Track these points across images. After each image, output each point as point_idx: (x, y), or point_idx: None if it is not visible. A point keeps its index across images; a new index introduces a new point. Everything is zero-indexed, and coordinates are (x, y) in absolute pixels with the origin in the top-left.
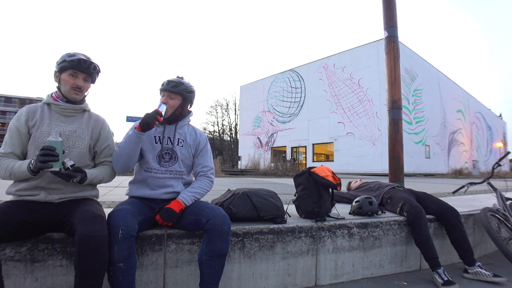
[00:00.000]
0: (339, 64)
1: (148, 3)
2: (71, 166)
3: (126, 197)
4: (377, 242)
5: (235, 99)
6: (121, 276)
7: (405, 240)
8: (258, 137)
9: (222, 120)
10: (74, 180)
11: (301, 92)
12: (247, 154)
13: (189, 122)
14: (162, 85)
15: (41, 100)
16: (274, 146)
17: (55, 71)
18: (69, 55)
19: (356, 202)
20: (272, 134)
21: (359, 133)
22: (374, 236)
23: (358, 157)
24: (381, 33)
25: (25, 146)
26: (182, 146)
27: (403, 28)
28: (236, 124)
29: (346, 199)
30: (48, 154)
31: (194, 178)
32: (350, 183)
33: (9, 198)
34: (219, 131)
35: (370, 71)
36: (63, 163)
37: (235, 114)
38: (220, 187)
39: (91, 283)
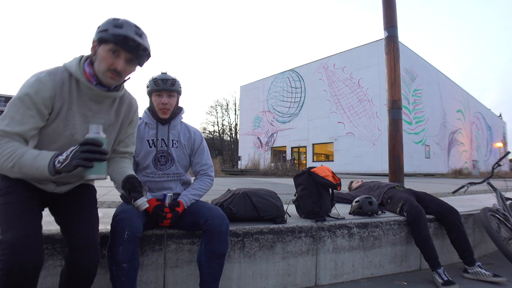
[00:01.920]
0: (339, 64)
1: (147, 1)
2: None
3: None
4: (377, 242)
5: (235, 99)
6: (124, 276)
7: (405, 240)
8: (258, 137)
9: (222, 120)
10: (142, 207)
11: (301, 92)
12: (247, 154)
13: (181, 120)
14: (157, 84)
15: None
16: (274, 146)
17: (93, 39)
18: (115, 24)
19: (356, 202)
20: (272, 134)
21: (359, 133)
22: (374, 236)
23: (358, 157)
24: (381, 33)
25: (35, 130)
26: (176, 148)
27: (403, 28)
28: (236, 124)
29: (346, 199)
30: (94, 151)
31: (192, 178)
32: (351, 183)
33: None
34: (219, 131)
35: (370, 71)
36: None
37: (235, 114)
38: (220, 187)
39: None
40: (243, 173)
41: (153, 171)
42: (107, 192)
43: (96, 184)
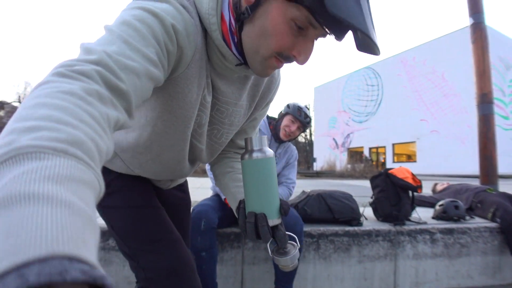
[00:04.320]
0: (420, 58)
1: None
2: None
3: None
4: (465, 250)
5: (309, 101)
6: (204, 264)
7: (498, 249)
8: (333, 138)
9: None
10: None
11: (378, 89)
12: (322, 155)
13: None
14: (299, 114)
15: None
16: (350, 147)
17: None
18: None
19: (440, 205)
20: (348, 134)
21: (445, 131)
22: (460, 243)
23: (445, 157)
24: (466, 20)
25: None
26: (276, 164)
27: (495, 11)
28: (311, 126)
29: (429, 203)
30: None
31: None
32: (435, 185)
33: None
34: None
35: (456, 62)
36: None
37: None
38: (295, 188)
39: None
40: (319, 175)
41: None
42: (190, 192)
43: None
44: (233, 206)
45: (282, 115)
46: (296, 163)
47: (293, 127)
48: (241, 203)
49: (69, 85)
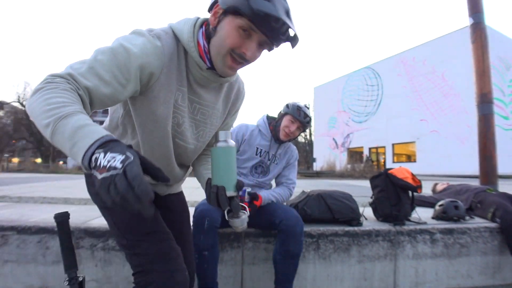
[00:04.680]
0: (419, 57)
1: None
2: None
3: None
4: (464, 250)
5: (308, 101)
6: (206, 263)
7: (498, 249)
8: (333, 138)
9: None
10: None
11: (378, 89)
12: (322, 155)
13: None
14: (298, 114)
15: None
16: (350, 147)
17: (216, 3)
18: None
19: (439, 205)
20: (348, 134)
21: (445, 131)
22: (460, 243)
23: (445, 157)
24: (466, 20)
25: (109, 102)
26: (276, 164)
27: (495, 11)
28: (311, 126)
29: (429, 203)
30: (133, 193)
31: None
32: (435, 185)
33: None
34: None
35: (456, 62)
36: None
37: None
38: (295, 188)
39: None
40: (319, 175)
41: (246, 173)
42: (190, 192)
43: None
44: (203, 185)
45: (281, 115)
46: (296, 163)
47: (293, 127)
48: (209, 180)
49: (62, 84)
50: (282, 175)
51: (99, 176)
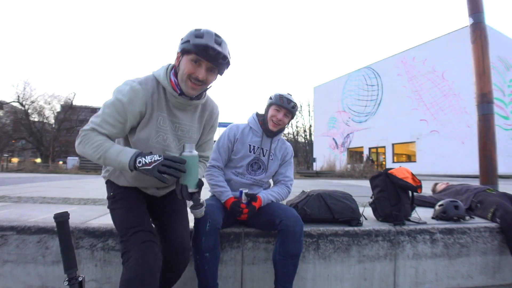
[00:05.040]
0: (419, 57)
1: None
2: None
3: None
4: (464, 250)
5: (308, 100)
6: (207, 265)
7: (498, 249)
8: (333, 138)
9: (296, 122)
10: (200, 209)
11: (378, 89)
12: (322, 155)
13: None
14: (281, 101)
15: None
16: (350, 147)
17: (177, 50)
18: (196, 34)
19: (439, 205)
20: (348, 134)
21: (445, 131)
22: (460, 243)
23: (445, 157)
24: (466, 20)
25: (121, 134)
26: (272, 160)
27: (495, 11)
28: (311, 126)
29: (429, 203)
30: (175, 167)
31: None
32: (435, 185)
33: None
34: (293, 133)
35: (456, 62)
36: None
37: (309, 115)
38: (294, 188)
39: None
40: (319, 175)
41: (243, 172)
42: None
43: None
44: (176, 182)
45: (267, 108)
46: (292, 160)
47: (280, 115)
48: (178, 180)
49: (92, 133)
50: (279, 173)
51: (151, 166)
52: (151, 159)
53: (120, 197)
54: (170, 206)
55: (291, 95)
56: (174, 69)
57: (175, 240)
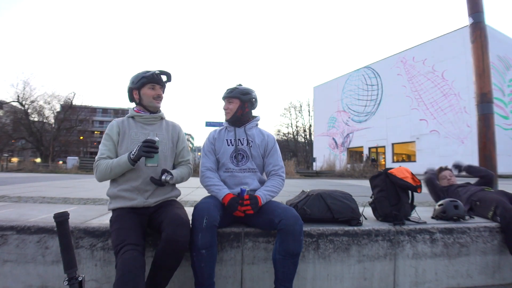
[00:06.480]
0: (419, 57)
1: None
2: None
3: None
4: (464, 249)
5: (308, 100)
6: (203, 262)
7: (498, 249)
8: (333, 138)
9: (296, 122)
10: (167, 179)
11: (378, 89)
12: (322, 155)
13: (257, 125)
14: (224, 93)
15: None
16: (350, 146)
17: (131, 89)
18: (144, 72)
19: (439, 205)
20: (347, 134)
21: (445, 131)
22: (460, 243)
23: (444, 157)
24: (466, 20)
25: (116, 151)
26: (251, 147)
27: (495, 10)
28: (310, 125)
29: (437, 194)
30: (151, 146)
31: (266, 178)
32: (440, 170)
33: (106, 205)
34: (293, 132)
35: (456, 62)
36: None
37: (309, 115)
38: (294, 188)
39: (165, 274)
40: (318, 174)
41: (231, 167)
42: (190, 192)
43: (180, 185)
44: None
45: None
46: (277, 146)
47: (227, 105)
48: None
49: (102, 161)
50: (268, 164)
51: (137, 150)
52: (136, 148)
53: (114, 220)
54: (165, 207)
55: (240, 85)
56: (136, 105)
57: (172, 217)
